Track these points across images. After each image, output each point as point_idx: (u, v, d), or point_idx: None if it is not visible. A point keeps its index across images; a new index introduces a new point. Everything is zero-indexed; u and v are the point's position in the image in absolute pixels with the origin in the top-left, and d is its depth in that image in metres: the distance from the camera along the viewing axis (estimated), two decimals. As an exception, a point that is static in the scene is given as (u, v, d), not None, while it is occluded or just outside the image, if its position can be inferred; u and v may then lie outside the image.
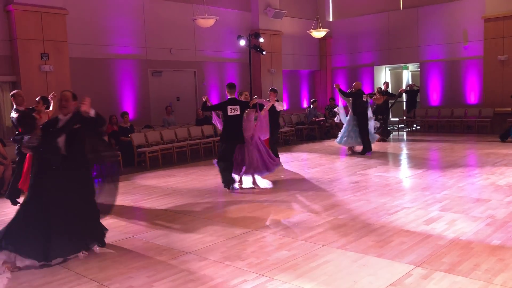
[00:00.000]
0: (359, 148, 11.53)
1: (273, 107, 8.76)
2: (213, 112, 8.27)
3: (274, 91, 9.62)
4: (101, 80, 12.32)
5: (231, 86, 7.98)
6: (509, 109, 14.43)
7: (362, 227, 5.45)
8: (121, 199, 7.48)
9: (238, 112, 7.69)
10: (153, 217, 6.35)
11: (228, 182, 7.78)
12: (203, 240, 5.23)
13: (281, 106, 9.44)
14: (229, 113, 7.68)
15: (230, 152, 7.75)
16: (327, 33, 16.89)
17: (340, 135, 11.64)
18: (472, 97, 15.67)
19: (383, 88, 14.54)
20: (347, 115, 11.59)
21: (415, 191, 7.15)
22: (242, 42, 14.74)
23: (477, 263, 4.21)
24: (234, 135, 7.77)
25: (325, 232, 5.31)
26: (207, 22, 12.76)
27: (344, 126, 11.59)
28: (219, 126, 8.20)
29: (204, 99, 7.98)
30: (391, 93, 14.73)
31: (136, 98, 13.17)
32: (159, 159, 11.06)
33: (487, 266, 4.13)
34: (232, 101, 7.75)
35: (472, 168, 9.05)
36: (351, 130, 11.35)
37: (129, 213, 6.71)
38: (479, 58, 15.27)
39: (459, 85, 15.95)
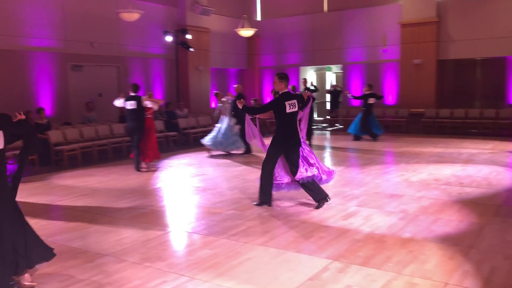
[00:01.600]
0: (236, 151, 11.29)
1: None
2: (252, 123, 6.77)
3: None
4: (13, 73, 11.52)
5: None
6: (423, 109, 15.42)
7: (284, 224, 5.53)
8: (35, 200, 7.04)
9: (296, 108, 6.18)
10: (69, 219, 6.03)
11: (269, 199, 6.36)
12: (121, 241, 5.04)
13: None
14: (288, 110, 6.09)
15: (277, 157, 6.29)
16: (255, 32, 17.05)
17: (215, 138, 11.07)
18: (390, 98, 16.55)
19: (306, 85, 14.60)
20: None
21: (336, 187, 7.39)
22: (169, 38, 14.46)
23: (389, 256, 4.43)
24: (291, 136, 6.21)
25: (247, 230, 5.33)
26: (131, 15, 12.37)
27: (221, 129, 11.06)
28: (261, 146, 6.70)
29: (241, 105, 6.33)
30: (312, 89, 14.55)
31: (54, 94, 12.45)
32: (78, 158, 10.54)
33: (398, 258, 4.36)
34: (288, 95, 6.14)
35: (388, 165, 9.55)
36: (231, 135, 10.99)
37: (43, 214, 6.31)
38: (397, 61, 16.17)
39: (378, 87, 16.75)
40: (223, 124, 11.15)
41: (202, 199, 6.95)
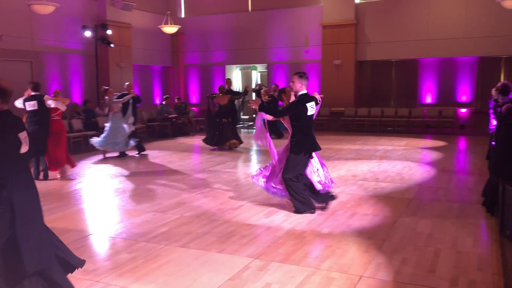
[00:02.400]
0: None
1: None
2: (266, 128, 6.27)
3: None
4: None
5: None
6: (343, 108, 16.05)
7: (207, 224, 5.48)
8: None
9: (314, 111, 5.88)
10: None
11: (312, 206, 5.86)
12: (32, 249, 4.71)
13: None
14: (309, 112, 5.77)
15: (302, 167, 5.86)
16: (179, 29, 16.79)
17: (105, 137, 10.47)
18: (313, 97, 17.01)
19: (230, 87, 14.69)
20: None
21: (258, 185, 7.45)
22: (88, 33, 13.83)
23: (308, 251, 4.54)
24: (314, 141, 5.99)
25: (169, 232, 5.21)
26: (45, 8, 11.64)
27: (112, 128, 10.44)
28: (270, 147, 6.27)
29: (254, 106, 5.92)
30: (235, 91, 14.68)
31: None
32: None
33: (316, 253, 4.48)
34: (308, 97, 5.79)
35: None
36: (121, 135, 10.48)
37: None
38: (318, 61, 16.68)
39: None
40: (114, 122, 10.43)
41: (121, 201, 6.70)
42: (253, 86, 19.04)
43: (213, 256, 4.45)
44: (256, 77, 20.03)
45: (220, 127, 11.72)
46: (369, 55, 16.07)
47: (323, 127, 16.11)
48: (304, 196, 5.76)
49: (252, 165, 9.77)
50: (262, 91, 14.66)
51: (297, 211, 5.76)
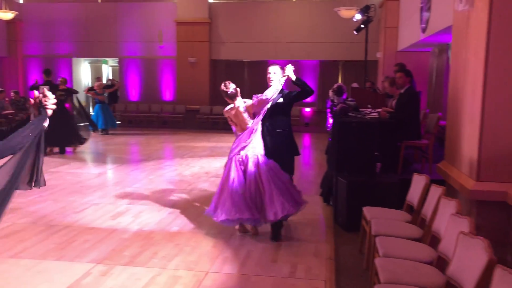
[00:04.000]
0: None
1: None
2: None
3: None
4: None
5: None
6: (198, 106, 16.14)
7: (44, 230, 4.99)
8: None
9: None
10: None
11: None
12: None
13: None
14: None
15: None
16: (17, 16, 15.06)
17: None
18: (168, 94, 16.81)
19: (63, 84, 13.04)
20: None
21: (106, 186, 7.08)
22: None
23: (155, 251, 4.42)
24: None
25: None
26: None
27: None
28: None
29: None
30: (70, 89, 13.11)
31: None
32: None
33: (164, 253, 4.38)
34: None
35: (164, 160, 9.65)
36: None
37: None
38: (173, 58, 16.49)
39: (156, 83, 16.86)
40: None
41: None
42: (104, 81, 18.04)
43: (49, 265, 4.06)
44: (107, 72, 19.03)
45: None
46: (223, 55, 16.41)
47: (179, 125, 16.01)
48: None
49: (97, 165, 9.21)
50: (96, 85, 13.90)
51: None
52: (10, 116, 13.83)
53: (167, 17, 16.30)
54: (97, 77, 15.72)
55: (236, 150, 4.83)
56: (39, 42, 17.10)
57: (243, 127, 4.91)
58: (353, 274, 3.97)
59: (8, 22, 16.06)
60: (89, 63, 18.28)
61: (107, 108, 14.18)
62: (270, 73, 5.03)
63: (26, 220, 5.35)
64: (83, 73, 18.03)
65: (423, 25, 8.72)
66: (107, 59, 18.20)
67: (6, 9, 14.44)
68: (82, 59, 17.74)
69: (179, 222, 5.37)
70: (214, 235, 4.90)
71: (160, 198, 6.41)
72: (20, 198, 6.29)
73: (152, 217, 5.53)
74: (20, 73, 17.22)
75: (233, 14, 16.16)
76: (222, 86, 5.07)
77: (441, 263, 2.99)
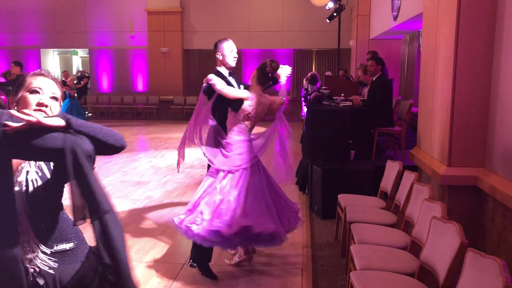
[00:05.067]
0: None
1: None
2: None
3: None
4: None
5: None
6: (172, 97, 15.96)
7: None
8: None
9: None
10: None
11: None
12: None
13: None
14: None
15: None
16: (-20, 5, 14.55)
17: None
18: (140, 85, 16.56)
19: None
20: None
21: (79, 180, 6.93)
22: None
23: (130, 245, 4.35)
24: None
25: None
26: None
27: None
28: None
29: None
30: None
31: None
32: None
33: (139, 246, 4.33)
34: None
35: (137, 152, 9.52)
36: None
37: None
38: (145, 48, 16.22)
39: (128, 73, 16.57)
40: None
41: None
42: (74, 72, 17.66)
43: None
44: (77, 63, 18.60)
45: None
46: (195, 44, 16.23)
47: (152, 116, 15.82)
48: None
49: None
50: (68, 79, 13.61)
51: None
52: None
53: (138, 6, 15.99)
54: (64, 71, 15.27)
55: (252, 158, 3.70)
56: (5, 33, 16.55)
57: (256, 122, 3.76)
58: (329, 262, 4.00)
59: (-29, 12, 15.50)
60: (58, 54, 17.81)
61: (77, 103, 13.87)
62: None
63: None
64: (52, 65, 17.55)
65: (395, 13, 8.80)
66: (76, 50, 17.76)
67: (-32, -1, 13.90)
68: (51, 50, 17.26)
69: (154, 214, 5.31)
70: (190, 227, 4.86)
71: (134, 191, 6.33)
72: None
73: (126, 209, 5.44)
74: (-15, 65, 16.66)
75: (205, 2, 15.97)
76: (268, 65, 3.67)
77: (414, 248, 3.04)
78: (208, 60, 16.81)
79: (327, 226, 4.86)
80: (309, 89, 7.57)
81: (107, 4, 16.19)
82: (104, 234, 1.56)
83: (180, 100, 15.97)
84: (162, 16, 15.76)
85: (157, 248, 4.28)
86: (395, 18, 8.79)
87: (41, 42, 16.58)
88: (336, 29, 11.43)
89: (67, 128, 1.51)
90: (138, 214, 5.30)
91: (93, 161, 1.56)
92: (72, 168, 1.49)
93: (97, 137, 1.58)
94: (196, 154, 9.01)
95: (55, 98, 1.74)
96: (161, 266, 3.89)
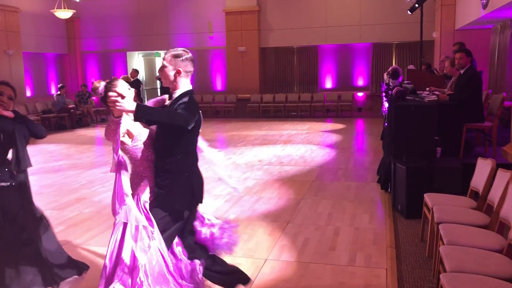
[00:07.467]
0: None
1: None
2: None
3: None
4: None
5: None
6: (249, 95, 16.21)
7: (109, 219, 5.22)
8: None
9: None
10: None
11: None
12: None
13: None
14: None
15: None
16: (75, 14, 15.72)
17: None
18: (219, 85, 17.00)
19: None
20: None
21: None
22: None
23: (214, 239, 4.50)
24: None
25: (67, 230, 4.89)
26: None
27: None
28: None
29: None
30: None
31: None
32: None
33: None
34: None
35: (217, 149, 9.78)
36: None
37: None
38: (223, 48, 16.62)
39: (207, 73, 17.09)
40: None
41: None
42: (157, 73, 18.52)
43: (115, 252, 4.24)
44: (159, 65, 19.47)
45: None
46: (272, 42, 16.35)
47: (231, 114, 16.18)
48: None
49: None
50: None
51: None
52: (72, 110, 14.50)
53: (216, 7, 16.41)
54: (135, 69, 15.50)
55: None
56: (96, 38, 17.77)
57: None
58: (414, 263, 3.87)
59: (67, 20, 16.80)
60: (142, 56, 18.79)
61: None
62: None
63: (91, 209, 5.61)
64: (137, 67, 18.55)
65: (484, 1, 8.25)
66: (159, 51, 18.62)
67: (64, 8, 15.09)
68: (136, 52, 18.26)
69: (236, 210, 5.44)
70: (270, 223, 4.93)
71: (216, 187, 6.51)
72: (84, 189, 6.62)
73: (209, 204, 5.63)
74: (79, 69, 18.00)
75: (282, 0, 16.01)
76: None
77: (511, 251, 2.85)
78: (284, 57, 16.87)
79: (411, 226, 4.69)
80: (391, 84, 7.32)
81: (187, 7, 16.80)
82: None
83: (257, 98, 16.18)
84: (239, 16, 16.05)
85: (240, 243, 4.35)
86: (485, 6, 8.25)
87: (127, 45, 17.59)
88: (417, 20, 10.93)
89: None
90: (220, 209, 5.46)
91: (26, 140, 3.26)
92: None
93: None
94: (274, 151, 9.12)
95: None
96: (244, 261, 3.98)
